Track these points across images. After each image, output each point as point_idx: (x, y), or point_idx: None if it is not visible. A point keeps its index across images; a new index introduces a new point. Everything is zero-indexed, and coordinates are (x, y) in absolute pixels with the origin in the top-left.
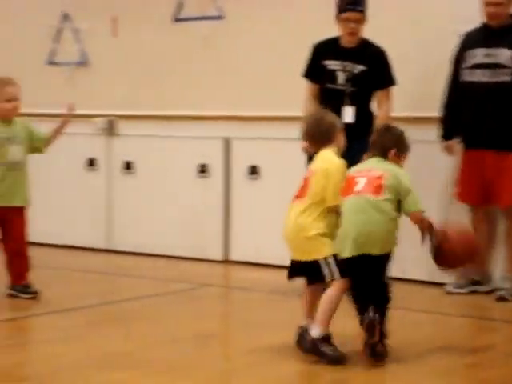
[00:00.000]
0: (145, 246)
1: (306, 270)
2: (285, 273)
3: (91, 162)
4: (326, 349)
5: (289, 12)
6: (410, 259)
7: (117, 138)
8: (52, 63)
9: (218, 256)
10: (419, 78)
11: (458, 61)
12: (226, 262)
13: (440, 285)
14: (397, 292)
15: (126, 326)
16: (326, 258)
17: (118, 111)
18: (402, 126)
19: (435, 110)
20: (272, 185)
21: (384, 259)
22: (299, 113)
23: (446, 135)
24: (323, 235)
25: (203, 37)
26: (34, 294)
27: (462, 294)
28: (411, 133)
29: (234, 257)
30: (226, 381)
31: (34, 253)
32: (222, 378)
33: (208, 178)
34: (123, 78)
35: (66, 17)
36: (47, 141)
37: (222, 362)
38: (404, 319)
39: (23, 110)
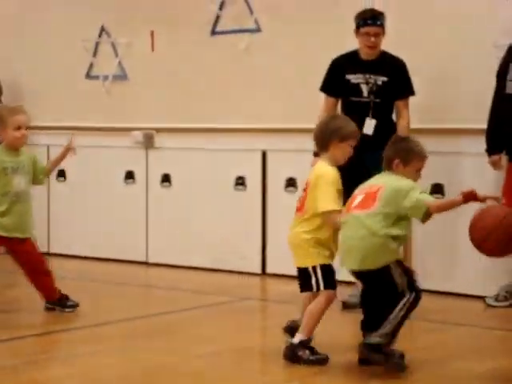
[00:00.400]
0: (182, 259)
1: (300, 278)
2: None
3: (129, 175)
4: (302, 353)
5: (327, 24)
6: (448, 272)
7: (154, 151)
8: (90, 77)
9: (256, 269)
10: (456, 89)
11: (503, 73)
12: (263, 274)
13: (480, 298)
14: (436, 306)
15: (164, 339)
16: (314, 268)
17: (155, 124)
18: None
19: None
20: None
21: (373, 276)
22: None
23: (492, 149)
24: (315, 244)
25: (240, 49)
26: (72, 308)
27: (503, 307)
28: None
29: (271, 270)
30: None
31: (71, 265)
32: None
33: (245, 190)
34: (161, 92)
35: (104, 31)
36: (47, 172)
37: (261, 375)
38: (445, 333)
39: (64, 123)
